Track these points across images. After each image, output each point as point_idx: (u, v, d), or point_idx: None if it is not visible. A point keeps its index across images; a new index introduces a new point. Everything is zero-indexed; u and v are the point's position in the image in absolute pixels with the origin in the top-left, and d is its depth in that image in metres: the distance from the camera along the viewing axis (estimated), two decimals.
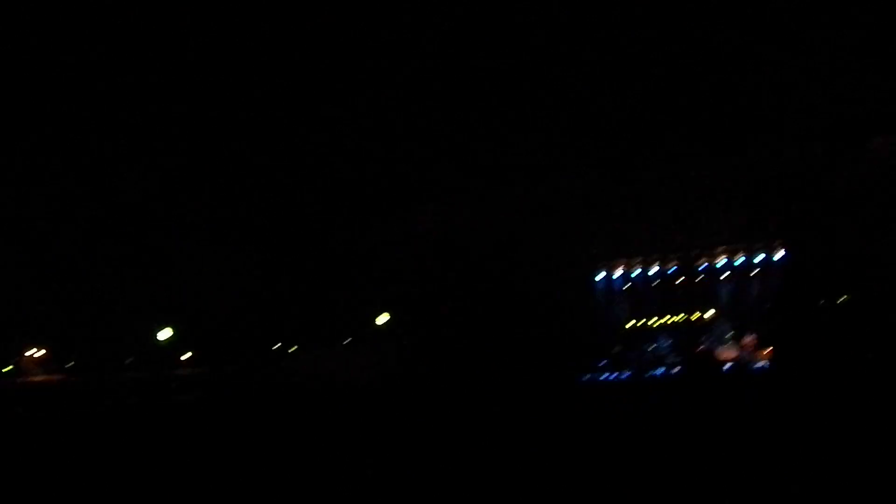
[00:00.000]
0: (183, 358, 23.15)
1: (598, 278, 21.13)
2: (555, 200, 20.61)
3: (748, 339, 19.75)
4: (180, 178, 19.42)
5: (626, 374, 19.43)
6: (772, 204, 20.31)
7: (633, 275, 21.25)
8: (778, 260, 20.39)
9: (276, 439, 12.06)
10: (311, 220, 21.14)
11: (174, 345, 22.54)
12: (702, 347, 19.87)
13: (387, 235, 21.04)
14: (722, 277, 20.92)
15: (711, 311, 20.86)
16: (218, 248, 20.57)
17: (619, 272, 21.19)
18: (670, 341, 20.51)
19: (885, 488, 5.57)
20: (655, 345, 20.54)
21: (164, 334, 22.19)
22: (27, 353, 24.49)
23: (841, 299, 20.48)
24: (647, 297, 21.28)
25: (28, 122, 16.13)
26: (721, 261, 20.73)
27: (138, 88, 14.50)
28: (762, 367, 18.57)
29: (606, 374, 19.58)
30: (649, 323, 21.42)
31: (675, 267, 20.96)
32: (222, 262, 20.93)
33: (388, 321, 20.74)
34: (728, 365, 18.98)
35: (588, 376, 19.52)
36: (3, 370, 24.20)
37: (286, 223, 20.91)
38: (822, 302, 20.37)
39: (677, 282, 21.08)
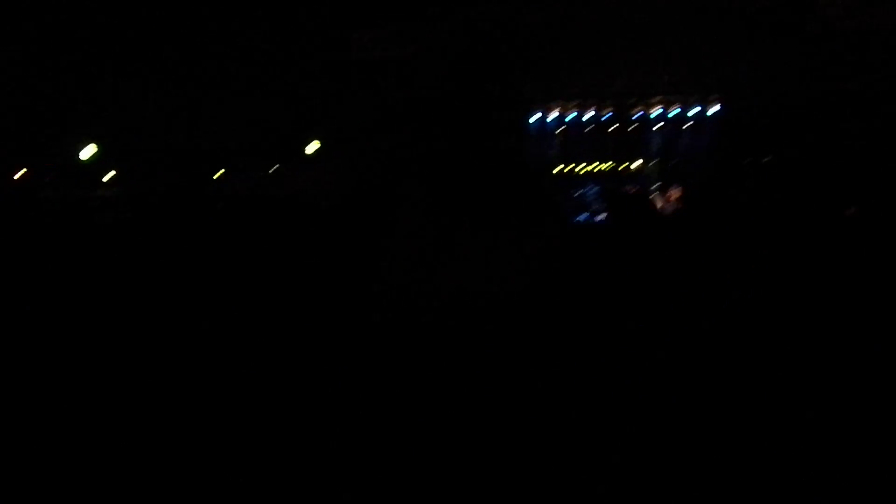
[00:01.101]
0: (106, 178, 22.62)
1: (531, 120, 21.04)
2: (494, 38, 20.19)
3: (674, 192, 20.05)
4: None
5: None
6: (713, 57, 20.21)
7: (567, 119, 21.21)
8: (712, 114, 20.46)
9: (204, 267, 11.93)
10: (248, 38, 20.37)
11: (98, 163, 21.98)
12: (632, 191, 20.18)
13: (322, 61, 20.46)
14: (655, 128, 21.03)
15: (640, 161, 21.10)
16: (150, 61, 19.79)
17: (553, 115, 21.12)
18: (597, 188, 20.72)
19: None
20: (582, 190, 20.76)
21: (88, 152, 21.58)
22: None
23: (766, 159, 20.88)
24: (580, 143, 21.35)
25: None
26: (656, 111, 20.76)
27: None
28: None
29: None
30: (578, 168, 21.60)
31: (609, 114, 20.95)
32: (152, 76, 20.19)
33: (318, 150, 20.46)
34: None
35: None
36: None
37: (221, 39, 20.14)
38: (748, 160, 20.74)
39: (610, 129, 21.14)
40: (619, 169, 21.30)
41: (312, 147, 20.47)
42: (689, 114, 20.60)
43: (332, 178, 20.13)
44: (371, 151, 20.50)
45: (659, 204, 19.70)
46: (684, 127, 20.79)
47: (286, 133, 20.43)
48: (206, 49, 20.18)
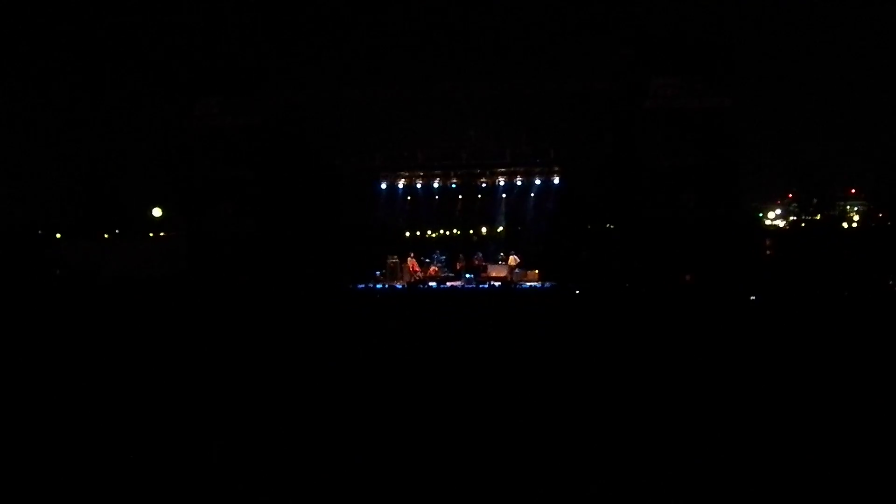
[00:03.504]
0: None
1: (380, 188, 21.37)
2: (344, 107, 20.49)
3: (516, 259, 20.68)
4: None
5: (399, 285, 19.87)
6: (553, 134, 21.15)
7: (415, 187, 21.67)
8: (554, 186, 21.32)
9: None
10: (89, 99, 19.92)
11: None
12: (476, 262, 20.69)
13: (166, 127, 20.20)
14: (500, 197, 21.76)
15: (485, 229, 21.74)
16: None
17: (401, 184, 21.54)
18: (445, 256, 21.11)
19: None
20: (431, 257, 21.13)
21: None
22: None
23: (608, 226, 21.82)
24: (428, 210, 21.82)
25: None
26: (501, 182, 21.49)
27: None
28: (529, 286, 19.45)
29: (381, 285, 19.97)
30: (427, 234, 22.01)
31: (455, 183, 21.55)
32: None
33: (163, 215, 20.04)
34: (497, 283, 19.74)
35: (363, 285, 19.80)
36: None
37: (59, 98, 19.60)
38: (589, 227, 21.63)
39: (458, 198, 21.74)
40: (468, 234, 21.82)
41: (156, 213, 20.04)
42: (532, 185, 21.36)
43: (176, 247, 19.74)
44: (219, 220, 20.23)
45: (500, 272, 20.29)
46: (529, 196, 21.55)
47: (127, 199, 19.96)
48: (42, 108, 19.62)
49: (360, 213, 20.82)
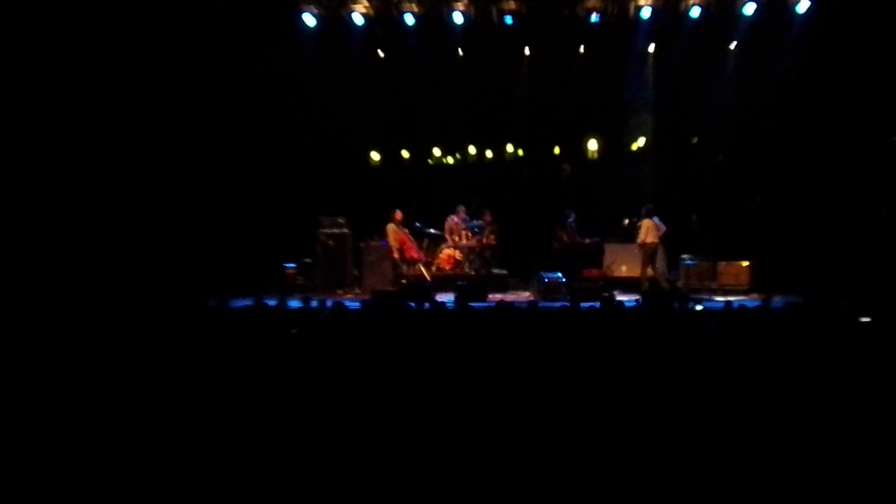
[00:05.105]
0: None
1: (303, 28, 8.13)
2: None
3: (658, 226, 7.97)
4: None
5: (351, 302, 6.88)
6: None
7: (400, 26, 8.37)
8: (796, 19, 8.63)
9: None
10: None
11: None
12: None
13: None
14: (641, 52, 8.97)
15: (595, 144, 8.53)
16: None
17: (359, 16, 8.18)
18: (481, 221, 8.29)
19: None
20: (449, 220, 8.28)
21: None
22: None
23: None
24: (435, 94, 9.04)
25: None
26: (644, 9, 7.96)
27: None
28: (727, 304, 6.33)
29: (302, 301, 6.98)
30: (434, 158, 9.26)
31: (514, 14, 8.08)
32: None
33: None
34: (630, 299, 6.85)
35: (251, 301, 6.76)
36: None
37: None
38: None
39: (523, 56, 8.73)
40: (548, 158, 8.81)
41: None
42: (733, 17, 8.01)
43: None
44: None
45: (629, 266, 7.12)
46: (724, 50, 8.34)
47: None
48: None
49: (251, 101, 7.78)
